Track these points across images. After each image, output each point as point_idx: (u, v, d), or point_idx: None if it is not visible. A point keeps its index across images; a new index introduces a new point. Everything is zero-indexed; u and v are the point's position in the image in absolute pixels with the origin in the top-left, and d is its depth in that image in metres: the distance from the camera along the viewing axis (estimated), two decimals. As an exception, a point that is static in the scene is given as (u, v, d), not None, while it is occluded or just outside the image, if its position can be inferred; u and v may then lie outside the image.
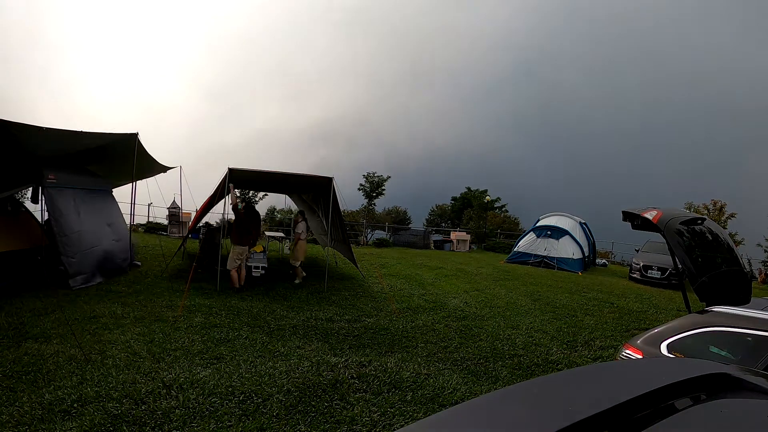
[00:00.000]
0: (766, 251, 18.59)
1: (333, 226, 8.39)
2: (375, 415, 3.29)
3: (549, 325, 6.52)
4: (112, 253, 7.98)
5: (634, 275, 12.97)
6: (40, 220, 7.36)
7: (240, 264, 7.59)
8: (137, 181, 9.67)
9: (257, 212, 8.33)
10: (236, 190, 7.81)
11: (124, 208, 11.59)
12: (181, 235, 14.86)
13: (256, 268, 8.37)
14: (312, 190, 9.96)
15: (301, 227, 8.79)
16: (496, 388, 3.82)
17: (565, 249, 14.37)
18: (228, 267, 7.46)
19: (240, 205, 7.85)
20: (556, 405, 1.01)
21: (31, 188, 7.18)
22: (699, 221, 4.23)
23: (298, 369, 4.05)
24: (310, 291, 7.71)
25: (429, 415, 1.48)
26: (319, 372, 4.00)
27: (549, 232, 14.94)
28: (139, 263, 9.26)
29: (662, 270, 12.21)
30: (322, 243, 12.33)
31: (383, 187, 23.20)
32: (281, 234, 13.10)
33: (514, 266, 14.27)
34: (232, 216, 8.65)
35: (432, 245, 19.42)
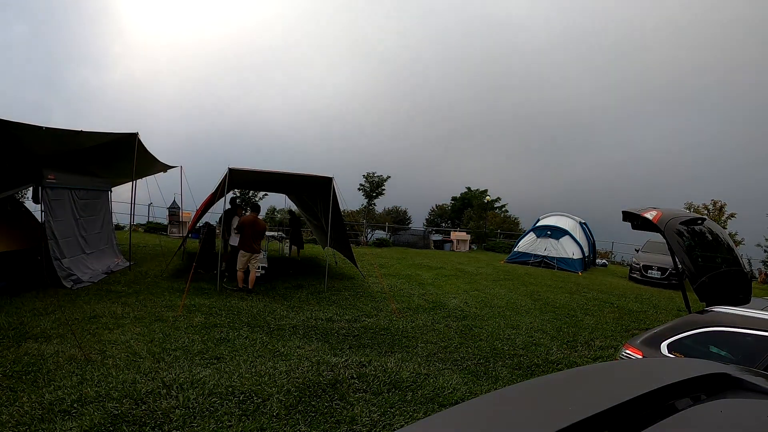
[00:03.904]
0: (766, 251, 18.58)
1: (333, 226, 8.39)
2: (375, 415, 3.29)
3: (549, 325, 6.52)
4: (99, 261, 7.99)
5: (634, 275, 12.97)
6: (40, 220, 7.37)
7: (247, 267, 7.43)
8: (137, 180, 9.69)
9: (259, 220, 7.76)
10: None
11: (125, 208, 11.61)
12: (181, 235, 14.86)
13: (256, 268, 8.37)
14: (311, 190, 9.96)
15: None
16: (496, 388, 3.82)
17: (565, 249, 14.36)
18: (237, 267, 7.47)
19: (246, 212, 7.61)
20: (556, 405, 1.01)
21: (31, 188, 7.19)
22: (699, 221, 4.23)
23: (298, 369, 4.05)
24: (310, 291, 7.71)
25: (429, 415, 1.47)
26: (319, 372, 4.00)
27: (549, 232, 14.93)
28: (131, 262, 9.22)
29: (662, 270, 12.21)
30: (321, 243, 12.33)
31: (383, 187, 23.19)
32: (282, 234, 13.09)
33: (514, 266, 14.27)
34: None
35: (432, 245, 19.41)
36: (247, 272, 7.46)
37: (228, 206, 8.72)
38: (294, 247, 11.85)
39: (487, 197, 26.89)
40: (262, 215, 9.28)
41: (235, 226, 7.90)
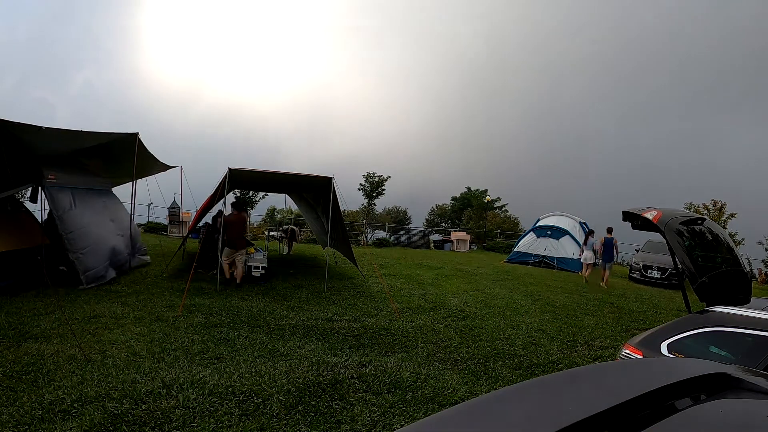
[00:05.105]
0: (767, 250, 18.57)
1: (333, 226, 8.39)
2: (375, 415, 3.29)
3: (549, 325, 6.52)
4: (118, 247, 8.03)
5: (634, 275, 12.98)
6: (40, 220, 7.37)
7: (232, 261, 7.80)
8: (137, 180, 9.69)
9: (242, 218, 8.29)
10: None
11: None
12: (181, 235, 14.86)
13: (256, 268, 8.38)
14: (312, 190, 9.97)
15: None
16: (496, 388, 3.82)
17: (565, 249, 14.36)
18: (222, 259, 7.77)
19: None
20: (556, 405, 1.01)
21: (30, 188, 7.18)
22: (699, 221, 4.22)
23: (298, 369, 4.05)
24: (310, 291, 7.70)
25: (429, 415, 1.47)
26: (319, 372, 4.00)
27: (549, 232, 14.94)
28: (148, 258, 9.40)
29: (662, 270, 12.22)
30: (322, 243, 12.37)
31: (383, 187, 23.15)
32: (281, 233, 13.17)
33: (514, 266, 14.27)
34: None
35: (432, 245, 19.41)
36: (236, 268, 7.80)
37: (230, 210, 8.75)
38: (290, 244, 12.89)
39: (487, 197, 26.89)
40: (261, 215, 9.62)
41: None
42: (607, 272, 11.16)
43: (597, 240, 11.68)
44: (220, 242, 7.66)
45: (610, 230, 11.16)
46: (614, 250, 11.20)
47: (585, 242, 12.04)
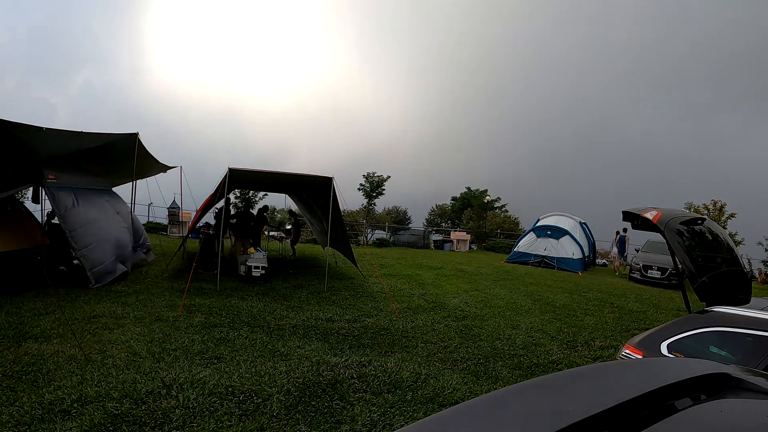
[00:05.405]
0: (767, 250, 18.57)
1: (333, 226, 8.39)
2: (375, 415, 3.29)
3: (549, 325, 6.52)
4: (125, 241, 8.02)
5: (634, 275, 12.97)
6: (40, 220, 7.36)
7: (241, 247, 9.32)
8: (137, 181, 9.69)
9: (251, 214, 10.21)
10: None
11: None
12: (181, 235, 14.87)
13: (256, 268, 8.38)
14: (312, 190, 9.97)
15: None
16: (496, 388, 3.82)
17: (565, 249, 14.36)
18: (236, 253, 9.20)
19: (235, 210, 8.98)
20: (556, 405, 1.01)
21: (31, 188, 7.18)
22: (699, 221, 4.23)
23: (298, 369, 4.05)
24: (310, 291, 7.70)
25: (429, 415, 1.47)
26: (319, 372, 4.00)
27: (549, 232, 14.93)
28: (151, 257, 9.46)
29: (662, 270, 12.21)
30: (322, 243, 12.35)
31: (383, 187, 23.13)
32: (282, 234, 13.12)
33: (514, 266, 14.27)
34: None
35: (432, 245, 19.42)
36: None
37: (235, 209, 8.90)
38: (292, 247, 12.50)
39: (487, 197, 26.89)
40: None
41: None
42: (623, 263, 15.28)
43: (613, 239, 15.42)
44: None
45: (624, 230, 14.93)
46: (625, 246, 15.12)
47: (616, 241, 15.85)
